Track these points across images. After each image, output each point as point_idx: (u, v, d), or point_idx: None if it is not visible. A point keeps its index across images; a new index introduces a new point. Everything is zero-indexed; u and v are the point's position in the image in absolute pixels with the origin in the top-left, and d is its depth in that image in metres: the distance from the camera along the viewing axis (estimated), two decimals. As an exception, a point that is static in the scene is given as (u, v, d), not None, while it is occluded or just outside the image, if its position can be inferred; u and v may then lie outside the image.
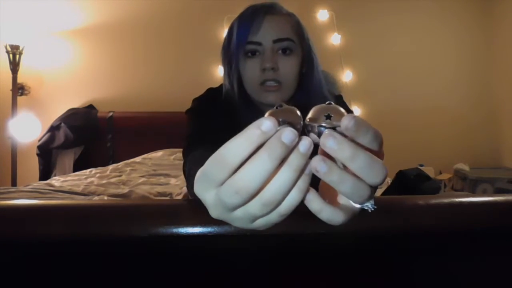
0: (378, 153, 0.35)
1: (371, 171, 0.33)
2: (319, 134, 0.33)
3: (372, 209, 0.37)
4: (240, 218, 0.34)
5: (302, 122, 0.33)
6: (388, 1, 2.82)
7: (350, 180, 0.33)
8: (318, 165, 0.32)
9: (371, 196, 0.36)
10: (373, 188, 0.36)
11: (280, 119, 0.31)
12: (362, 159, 0.32)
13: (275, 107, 0.32)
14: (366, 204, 0.37)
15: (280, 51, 0.83)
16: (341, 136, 0.32)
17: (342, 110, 0.34)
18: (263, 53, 0.83)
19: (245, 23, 0.83)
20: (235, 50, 0.84)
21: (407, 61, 2.83)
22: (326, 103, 0.35)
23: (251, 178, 0.30)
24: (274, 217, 0.34)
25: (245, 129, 0.31)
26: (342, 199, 0.38)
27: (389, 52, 2.82)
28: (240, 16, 0.86)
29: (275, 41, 0.82)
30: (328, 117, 0.33)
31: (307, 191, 0.33)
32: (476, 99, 2.86)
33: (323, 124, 0.33)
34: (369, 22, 2.80)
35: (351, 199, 0.36)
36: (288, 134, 0.30)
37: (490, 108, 2.85)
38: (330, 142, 0.31)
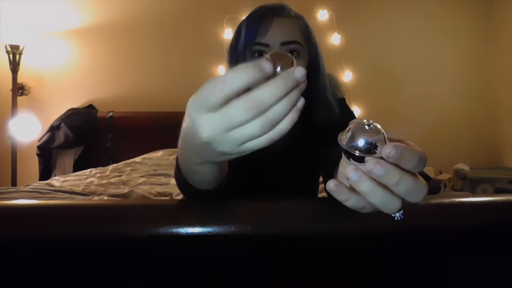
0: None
1: (414, 193, 0.34)
2: (359, 158, 0.34)
3: (400, 218, 0.37)
4: (232, 139, 0.35)
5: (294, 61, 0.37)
6: (388, 1, 2.82)
7: (381, 192, 0.34)
8: (350, 174, 0.33)
9: (401, 208, 0.36)
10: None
11: (279, 67, 0.36)
12: (407, 184, 0.33)
13: (268, 55, 0.36)
14: (394, 213, 0.36)
15: None
16: (387, 163, 0.32)
17: (382, 130, 0.35)
18: None
19: (254, 23, 0.83)
20: (242, 50, 0.84)
21: (407, 61, 2.83)
22: (366, 123, 0.35)
23: (267, 96, 0.33)
24: (263, 140, 0.35)
25: (245, 65, 0.33)
26: None
27: (389, 52, 2.82)
28: (248, 16, 0.86)
29: (282, 44, 0.82)
30: (372, 145, 0.34)
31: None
32: (476, 99, 2.86)
33: (363, 154, 0.34)
34: (369, 22, 2.80)
35: (381, 209, 0.36)
36: (299, 70, 0.33)
37: (490, 108, 2.85)
38: (377, 169, 0.32)
